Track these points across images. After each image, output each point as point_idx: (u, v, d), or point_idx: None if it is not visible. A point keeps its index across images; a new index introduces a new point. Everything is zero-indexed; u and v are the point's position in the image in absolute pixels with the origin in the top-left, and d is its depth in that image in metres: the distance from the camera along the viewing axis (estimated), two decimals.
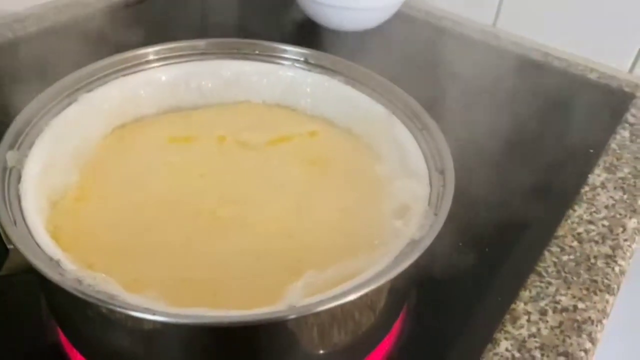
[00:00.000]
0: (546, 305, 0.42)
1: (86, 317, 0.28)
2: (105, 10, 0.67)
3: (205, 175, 0.36)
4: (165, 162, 0.37)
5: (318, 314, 0.26)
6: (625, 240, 0.47)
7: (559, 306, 0.42)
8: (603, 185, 0.52)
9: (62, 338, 0.35)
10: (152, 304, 0.25)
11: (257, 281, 0.28)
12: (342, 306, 0.26)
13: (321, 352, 0.30)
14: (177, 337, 0.27)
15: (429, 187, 0.33)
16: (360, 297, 0.26)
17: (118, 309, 0.25)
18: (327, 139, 0.40)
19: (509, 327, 0.40)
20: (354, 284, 0.26)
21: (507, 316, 0.41)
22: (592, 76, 0.68)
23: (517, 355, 0.38)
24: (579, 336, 0.40)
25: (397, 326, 0.37)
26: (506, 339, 0.39)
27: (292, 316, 0.25)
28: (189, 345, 0.28)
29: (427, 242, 0.28)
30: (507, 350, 0.39)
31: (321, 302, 0.25)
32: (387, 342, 0.36)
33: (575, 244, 0.47)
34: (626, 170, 0.54)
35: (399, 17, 0.72)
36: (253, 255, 0.30)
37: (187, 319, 0.25)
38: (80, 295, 0.25)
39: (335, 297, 0.25)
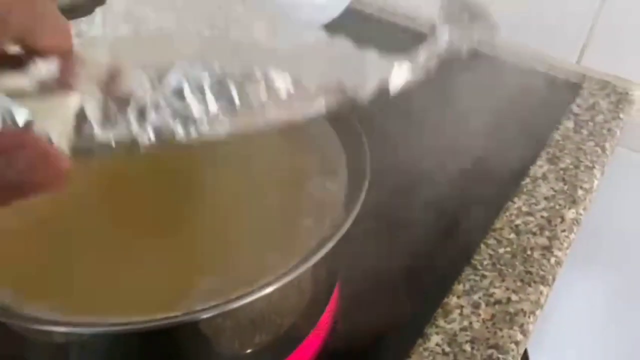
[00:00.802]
0: (479, 298, 0.42)
1: None
2: None
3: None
4: None
5: (221, 315, 0.26)
6: (563, 231, 0.48)
7: (492, 299, 0.42)
8: (544, 177, 0.53)
9: None
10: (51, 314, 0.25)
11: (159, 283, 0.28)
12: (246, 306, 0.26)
13: (238, 352, 0.30)
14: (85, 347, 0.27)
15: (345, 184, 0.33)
16: (265, 296, 0.26)
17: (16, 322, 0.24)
18: None
19: (440, 322, 0.40)
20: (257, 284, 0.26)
21: (440, 310, 0.41)
22: (541, 68, 0.68)
23: (447, 349, 0.38)
24: (510, 328, 0.40)
25: (323, 322, 0.37)
26: (437, 333, 0.39)
27: (189, 319, 0.25)
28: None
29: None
30: (437, 345, 0.39)
31: (217, 306, 0.25)
32: (314, 340, 0.36)
33: (512, 236, 0.47)
34: (568, 160, 0.55)
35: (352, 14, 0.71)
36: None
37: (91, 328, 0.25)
38: None
39: (232, 300, 0.25)
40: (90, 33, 0.26)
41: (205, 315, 0.24)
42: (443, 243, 0.45)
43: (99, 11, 0.27)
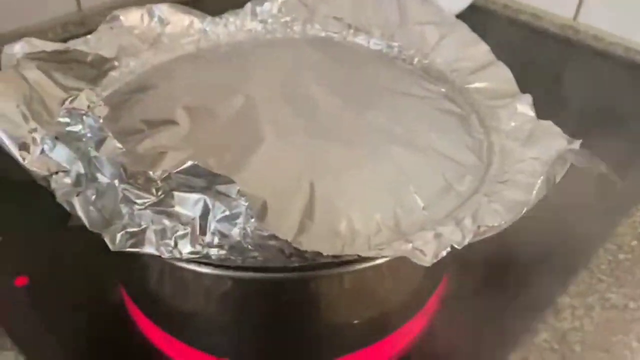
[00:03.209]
0: (594, 301, 0.41)
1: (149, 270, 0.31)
2: None
3: None
4: None
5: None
6: None
7: (607, 303, 0.41)
8: None
9: (125, 297, 0.39)
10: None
11: None
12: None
13: (346, 320, 0.32)
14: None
15: None
16: None
17: None
18: None
19: (550, 319, 0.40)
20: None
21: (551, 308, 0.40)
22: None
23: (555, 347, 0.38)
24: (626, 335, 0.39)
25: (430, 305, 0.38)
26: (546, 330, 0.39)
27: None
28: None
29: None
30: (545, 341, 0.38)
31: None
32: (419, 320, 0.37)
33: (634, 243, 0.45)
34: None
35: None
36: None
37: None
38: None
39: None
40: None
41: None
42: (561, 245, 0.44)
43: None
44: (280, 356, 0.33)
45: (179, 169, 0.24)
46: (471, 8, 0.70)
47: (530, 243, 0.42)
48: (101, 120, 0.26)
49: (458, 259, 0.39)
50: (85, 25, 0.69)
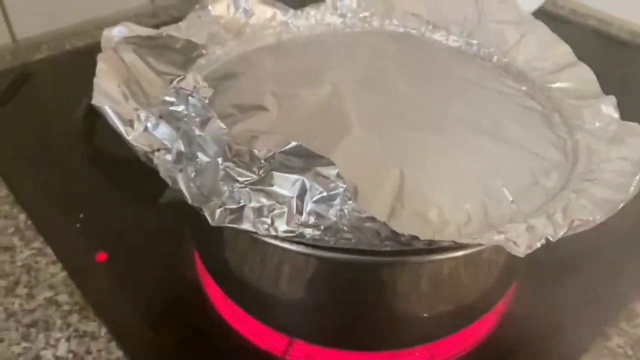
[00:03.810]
0: None
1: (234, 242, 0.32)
2: None
3: None
4: None
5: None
6: None
7: None
8: None
9: (202, 273, 0.40)
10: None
11: None
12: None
13: (416, 313, 0.33)
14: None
15: None
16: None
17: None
18: None
19: (623, 324, 0.39)
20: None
21: (623, 313, 0.40)
22: None
23: (629, 352, 0.37)
24: None
25: (500, 305, 0.38)
26: (619, 335, 0.38)
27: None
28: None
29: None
30: (618, 346, 0.38)
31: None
32: (492, 316, 0.37)
33: None
34: None
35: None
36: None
37: None
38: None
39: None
40: None
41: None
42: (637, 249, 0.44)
43: None
44: (357, 341, 0.34)
45: (283, 149, 0.25)
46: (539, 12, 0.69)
47: (605, 245, 0.42)
48: (206, 101, 0.27)
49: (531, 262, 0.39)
50: (157, 17, 0.71)
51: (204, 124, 0.28)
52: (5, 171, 0.49)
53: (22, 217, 0.45)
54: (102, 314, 0.38)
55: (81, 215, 0.45)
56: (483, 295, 0.34)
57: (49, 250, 0.43)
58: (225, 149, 0.27)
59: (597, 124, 0.35)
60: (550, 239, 0.26)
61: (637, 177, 0.29)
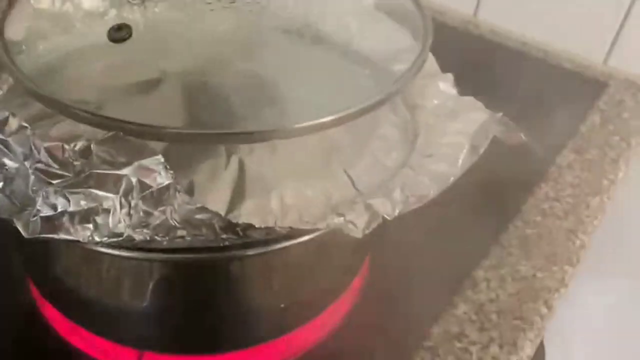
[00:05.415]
0: (506, 273, 0.43)
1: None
2: None
3: None
4: None
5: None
6: (588, 216, 0.49)
7: (518, 275, 0.43)
8: (570, 166, 0.54)
9: (36, 294, 0.36)
10: None
11: None
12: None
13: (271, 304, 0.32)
14: None
15: None
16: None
17: None
18: None
19: (468, 292, 0.41)
20: None
21: (467, 281, 0.42)
22: (568, 66, 0.69)
23: (474, 317, 0.40)
24: (535, 302, 0.41)
25: (355, 284, 0.38)
26: (465, 302, 0.41)
27: None
28: None
29: None
30: (464, 313, 0.40)
31: None
32: (346, 300, 0.38)
33: (539, 218, 0.48)
34: (594, 152, 0.56)
35: None
36: None
37: None
38: None
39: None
40: None
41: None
42: (473, 222, 0.47)
43: None
44: (212, 344, 0.32)
45: (100, 139, 0.23)
46: None
47: (448, 219, 0.44)
48: None
49: (381, 238, 0.40)
50: None
51: (1, 125, 0.24)
52: None
53: None
54: None
55: None
56: (333, 279, 0.34)
57: None
58: (32, 149, 0.24)
59: (436, 102, 0.37)
60: (387, 217, 0.26)
61: (465, 150, 0.30)
